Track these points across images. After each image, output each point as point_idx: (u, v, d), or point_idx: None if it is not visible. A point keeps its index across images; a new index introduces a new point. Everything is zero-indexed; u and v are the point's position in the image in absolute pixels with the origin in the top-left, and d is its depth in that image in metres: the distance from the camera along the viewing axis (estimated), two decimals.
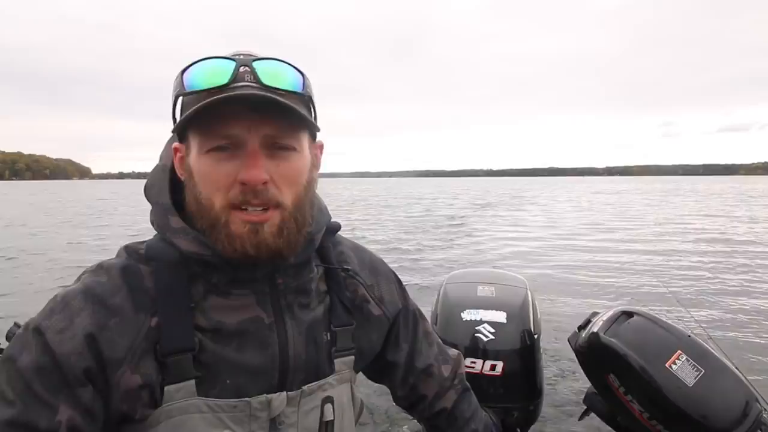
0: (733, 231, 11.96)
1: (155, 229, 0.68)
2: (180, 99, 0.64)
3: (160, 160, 0.72)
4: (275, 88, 0.62)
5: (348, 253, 0.86)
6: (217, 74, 0.60)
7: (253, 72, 0.61)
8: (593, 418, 1.25)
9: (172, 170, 0.70)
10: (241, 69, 0.61)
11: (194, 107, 0.58)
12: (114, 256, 0.69)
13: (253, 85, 0.61)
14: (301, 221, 0.66)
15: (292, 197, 0.64)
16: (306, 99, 0.66)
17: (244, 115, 0.59)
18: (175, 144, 0.68)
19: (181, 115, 0.64)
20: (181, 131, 0.65)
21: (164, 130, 0.74)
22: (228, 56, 0.62)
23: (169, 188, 0.69)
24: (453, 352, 1.00)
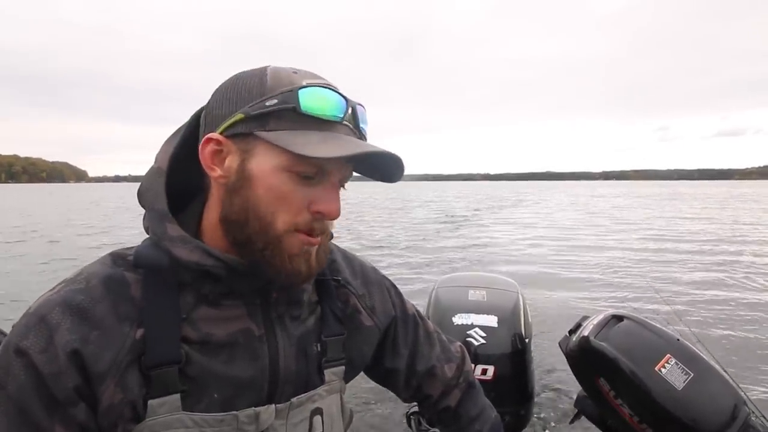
0: (723, 234, 12.01)
1: (149, 236, 0.65)
2: (280, 110, 0.60)
3: (155, 162, 0.69)
4: (362, 132, 0.66)
5: (340, 261, 0.85)
6: (335, 108, 0.62)
7: (354, 114, 0.65)
8: (584, 422, 1.25)
9: (168, 174, 0.67)
10: (349, 109, 0.64)
11: (352, 150, 0.59)
12: (97, 262, 0.66)
13: (350, 126, 0.65)
14: (328, 245, 0.71)
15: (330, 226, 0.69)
16: None
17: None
18: (214, 135, 0.62)
19: (270, 121, 0.60)
20: (247, 132, 0.61)
21: (160, 133, 0.73)
22: (332, 88, 0.63)
23: (165, 192, 0.66)
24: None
